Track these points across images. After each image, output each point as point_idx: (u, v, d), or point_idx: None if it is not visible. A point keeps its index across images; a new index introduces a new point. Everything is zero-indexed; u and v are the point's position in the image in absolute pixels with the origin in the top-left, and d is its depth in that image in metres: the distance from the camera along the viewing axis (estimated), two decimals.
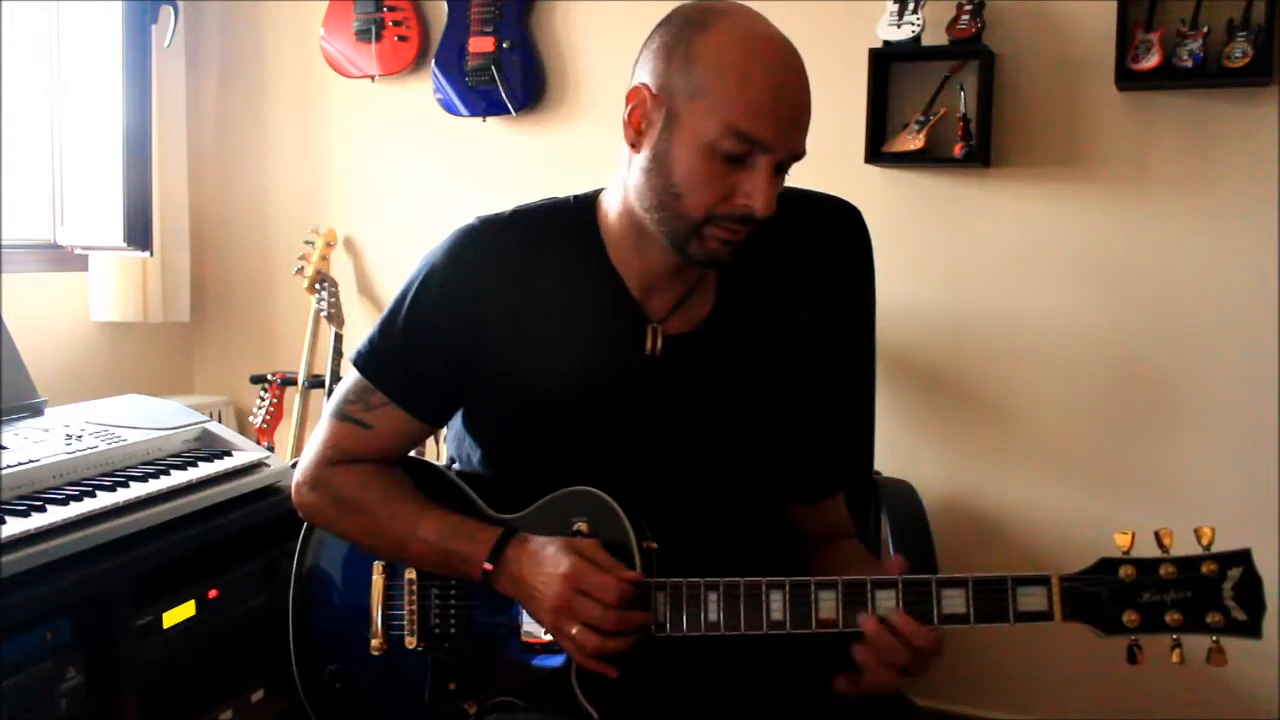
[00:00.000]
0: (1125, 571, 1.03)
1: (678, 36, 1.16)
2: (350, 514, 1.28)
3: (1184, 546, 1.02)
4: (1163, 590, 1.02)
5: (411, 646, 1.27)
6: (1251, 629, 1.00)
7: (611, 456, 1.25)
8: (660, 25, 1.20)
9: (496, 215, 1.30)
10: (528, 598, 1.18)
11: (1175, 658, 1.02)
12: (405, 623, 1.28)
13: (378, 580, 1.30)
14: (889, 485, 1.80)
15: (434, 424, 1.33)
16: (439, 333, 1.26)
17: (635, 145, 1.19)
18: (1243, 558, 1.01)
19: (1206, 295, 2.38)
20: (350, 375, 1.31)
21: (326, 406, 1.33)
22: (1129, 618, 1.02)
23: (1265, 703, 2.30)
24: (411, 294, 1.28)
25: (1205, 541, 1.02)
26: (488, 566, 1.19)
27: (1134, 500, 2.44)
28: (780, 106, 1.13)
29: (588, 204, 1.30)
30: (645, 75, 1.18)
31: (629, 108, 1.19)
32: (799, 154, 1.17)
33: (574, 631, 1.12)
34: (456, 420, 1.38)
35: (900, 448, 2.45)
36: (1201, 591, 1.01)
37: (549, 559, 1.16)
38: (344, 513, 1.29)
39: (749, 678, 1.22)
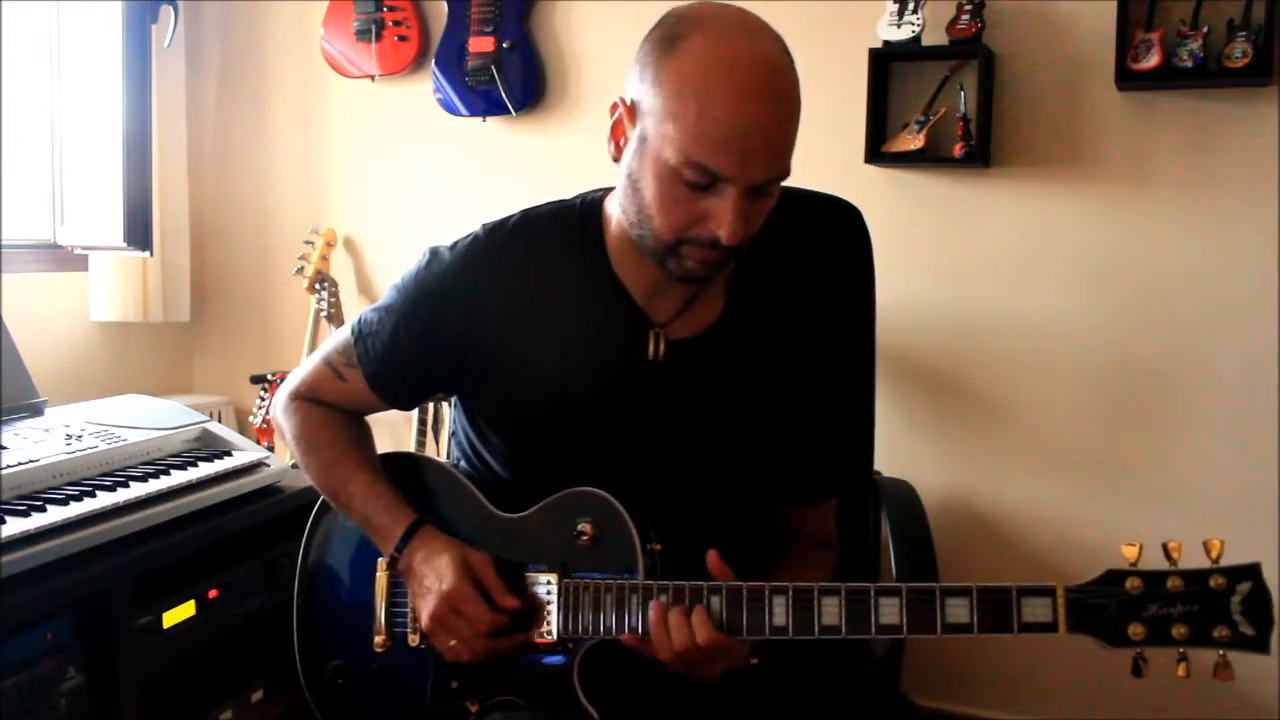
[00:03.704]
0: (1132, 584, 1.01)
1: (651, 52, 1.13)
2: (303, 450, 1.36)
3: (1191, 557, 1.00)
4: (1169, 603, 1.00)
5: (414, 644, 1.28)
6: (1259, 644, 0.98)
7: (615, 459, 1.25)
8: (650, 31, 1.15)
9: (501, 223, 1.30)
10: (414, 593, 1.26)
11: (1180, 671, 1.00)
12: (408, 620, 1.28)
13: (381, 577, 1.31)
14: (889, 485, 1.80)
15: (397, 408, 1.38)
16: (424, 342, 1.29)
17: (616, 159, 1.19)
18: (1252, 572, 0.99)
19: (1206, 295, 2.38)
20: (347, 328, 1.36)
21: (325, 342, 1.41)
22: (1134, 630, 1.00)
23: (1265, 702, 2.30)
24: (412, 292, 1.30)
25: (1214, 555, 1.00)
26: (394, 554, 1.26)
27: (1134, 499, 2.44)
28: (740, 137, 1.07)
29: (593, 207, 1.29)
30: (628, 87, 1.16)
31: (611, 120, 1.18)
32: (773, 179, 1.11)
33: (450, 643, 1.22)
34: (459, 419, 1.39)
35: (900, 448, 2.45)
36: (1209, 605, 0.99)
37: (437, 569, 1.22)
38: (299, 446, 1.36)
39: (749, 678, 1.22)
